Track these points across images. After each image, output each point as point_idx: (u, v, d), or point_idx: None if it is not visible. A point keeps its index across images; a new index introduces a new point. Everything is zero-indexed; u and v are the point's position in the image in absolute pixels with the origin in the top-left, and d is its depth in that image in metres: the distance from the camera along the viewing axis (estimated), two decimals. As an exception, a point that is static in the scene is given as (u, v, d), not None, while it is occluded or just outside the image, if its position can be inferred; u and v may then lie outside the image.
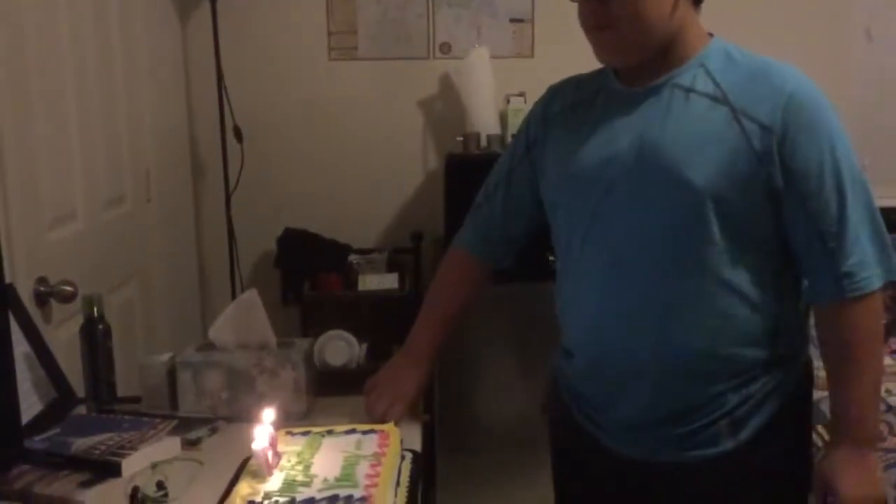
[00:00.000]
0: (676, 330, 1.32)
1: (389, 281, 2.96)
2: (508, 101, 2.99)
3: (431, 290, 1.66)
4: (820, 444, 1.89)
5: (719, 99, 1.29)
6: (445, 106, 3.12)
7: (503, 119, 3.00)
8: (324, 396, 1.67)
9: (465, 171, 2.78)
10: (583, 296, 1.40)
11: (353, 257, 3.04)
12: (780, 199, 1.28)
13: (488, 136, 2.91)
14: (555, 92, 1.51)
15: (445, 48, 3.11)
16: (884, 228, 1.31)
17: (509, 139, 2.92)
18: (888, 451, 1.76)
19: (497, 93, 2.99)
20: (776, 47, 3.07)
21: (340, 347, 2.99)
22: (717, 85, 1.30)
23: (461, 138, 2.92)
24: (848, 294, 1.29)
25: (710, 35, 1.38)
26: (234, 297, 3.01)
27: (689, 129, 1.29)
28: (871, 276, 1.29)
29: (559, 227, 1.45)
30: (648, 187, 1.30)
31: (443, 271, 1.65)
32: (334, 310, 3.02)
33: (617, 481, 1.45)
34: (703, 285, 1.30)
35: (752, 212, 1.29)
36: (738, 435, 1.35)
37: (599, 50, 1.35)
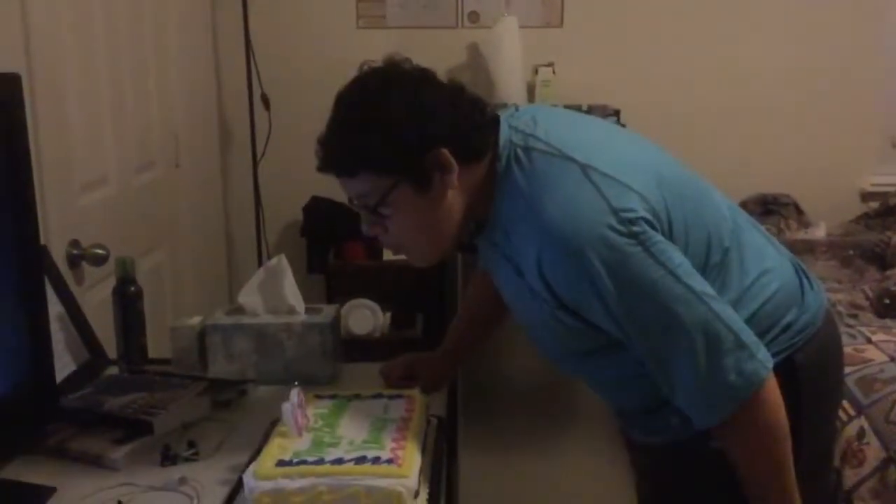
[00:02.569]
0: (600, 392, 1.38)
1: (414, 251, 2.97)
2: (536, 72, 2.97)
3: (467, 293, 1.68)
4: (845, 418, 1.90)
5: (509, 257, 1.23)
6: (473, 76, 3.10)
7: (531, 89, 2.98)
8: (348, 364, 1.69)
9: (492, 141, 2.78)
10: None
11: (378, 227, 3.04)
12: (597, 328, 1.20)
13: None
14: None
15: (474, 17, 3.09)
16: (717, 347, 1.12)
17: (537, 110, 2.90)
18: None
19: (525, 63, 2.96)
20: (806, 17, 3.07)
21: (364, 316, 3.03)
22: (507, 240, 1.22)
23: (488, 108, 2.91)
24: (696, 426, 1.20)
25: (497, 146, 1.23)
26: (260, 264, 3.03)
27: (505, 283, 1.28)
28: (703, 416, 1.18)
29: None
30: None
31: (473, 285, 1.67)
32: (359, 279, 3.05)
33: (636, 462, 1.52)
34: (606, 372, 1.30)
35: (588, 336, 1.22)
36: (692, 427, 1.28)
37: (412, 262, 1.33)
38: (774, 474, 1.19)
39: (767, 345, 1.21)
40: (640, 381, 1.25)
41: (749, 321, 1.20)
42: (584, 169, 1.16)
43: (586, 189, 1.14)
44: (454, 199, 1.21)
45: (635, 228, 1.12)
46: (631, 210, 1.13)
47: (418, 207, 1.20)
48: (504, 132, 1.24)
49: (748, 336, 1.16)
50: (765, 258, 1.29)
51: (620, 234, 1.11)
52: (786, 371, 1.23)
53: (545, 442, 2.86)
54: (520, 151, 1.22)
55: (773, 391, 1.16)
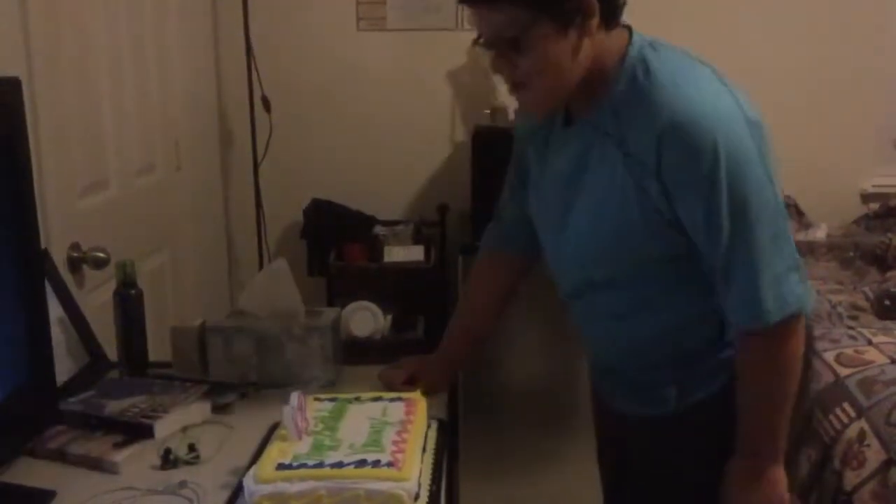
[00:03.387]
0: (618, 334, 1.43)
1: (415, 253, 2.97)
2: (537, 74, 2.97)
3: (466, 287, 1.71)
4: (846, 420, 1.90)
5: (617, 139, 1.27)
6: (473, 78, 3.11)
7: (531, 92, 2.98)
8: (349, 366, 1.69)
9: (492, 144, 2.78)
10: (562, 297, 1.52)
11: (378, 229, 3.05)
12: (681, 227, 1.27)
13: (516, 110, 2.89)
14: (520, 123, 1.56)
15: (474, 19, 3.09)
16: (775, 264, 1.22)
17: (537, 112, 2.90)
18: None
19: (526, 65, 2.96)
20: (806, 16, 3.07)
21: (366, 318, 3.02)
22: (618, 123, 1.27)
23: (489, 111, 2.91)
24: (742, 325, 1.28)
25: (629, 34, 1.31)
26: (261, 266, 3.04)
27: (596, 170, 1.31)
28: (749, 320, 1.25)
29: (542, 244, 1.53)
30: (576, 221, 1.36)
31: (472, 276, 1.70)
32: (360, 281, 3.04)
33: (610, 432, 1.61)
34: (634, 299, 1.37)
35: (660, 241, 1.29)
36: (686, 400, 1.40)
37: (522, 106, 1.39)
38: (777, 404, 1.29)
39: None
40: (665, 318, 1.35)
41: None
42: (714, 72, 1.26)
43: (718, 87, 1.23)
44: (586, 50, 1.24)
45: (759, 132, 1.22)
46: (756, 117, 1.22)
47: (552, 47, 1.22)
48: (634, 32, 1.31)
49: (803, 271, 1.27)
50: None
51: (747, 133, 1.20)
52: None
53: (547, 445, 2.85)
54: (649, 46, 1.28)
55: (803, 331, 1.29)
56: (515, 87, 1.30)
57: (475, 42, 1.30)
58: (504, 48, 1.24)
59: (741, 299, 1.25)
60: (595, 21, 1.23)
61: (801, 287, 1.25)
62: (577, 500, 2.65)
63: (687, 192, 1.22)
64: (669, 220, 1.26)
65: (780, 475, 1.34)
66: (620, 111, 1.27)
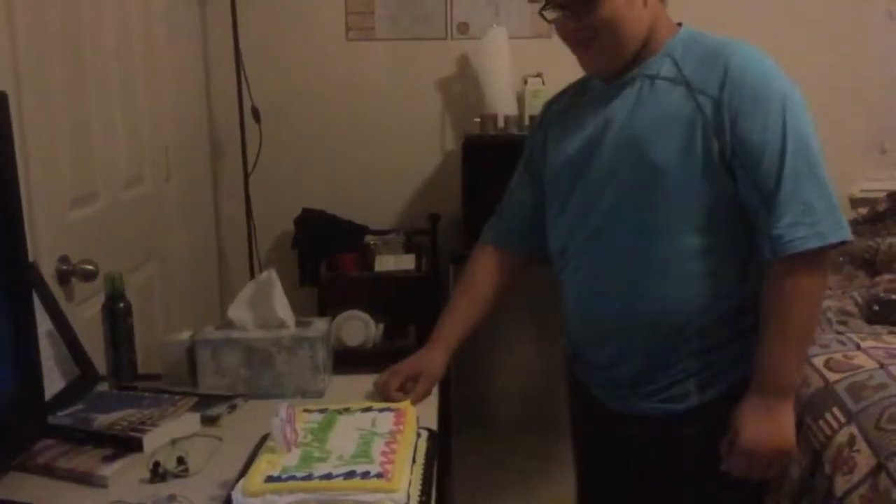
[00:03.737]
0: (641, 291, 1.45)
1: (406, 262, 2.98)
2: (526, 82, 2.98)
3: (456, 286, 1.75)
4: (835, 425, 1.90)
5: (678, 80, 1.41)
6: (463, 87, 3.12)
7: (521, 100, 2.99)
8: (341, 375, 1.69)
9: (482, 152, 2.79)
10: (569, 270, 1.55)
11: (369, 238, 3.05)
12: (732, 168, 1.36)
13: (506, 118, 2.91)
14: (549, 104, 1.66)
15: (463, 28, 3.10)
16: (828, 195, 1.35)
17: (527, 120, 2.92)
18: None
19: (515, 73, 2.98)
20: (793, 30, 3.10)
21: (357, 327, 3.02)
22: (678, 69, 1.41)
23: (478, 119, 2.92)
24: (779, 253, 1.34)
25: (679, 25, 1.48)
26: (252, 277, 3.03)
27: (651, 110, 1.42)
28: (804, 237, 1.33)
29: (553, 211, 1.58)
30: (618, 165, 1.44)
31: (470, 269, 1.73)
32: (351, 291, 3.04)
33: (605, 432, 1.61)
34: (667, 251, 1.41)
35: (712, 181, 1.37)
36: (705, 393, 1.45)
37: (585, 63, 1.48)
38: (801, 338, 1.37)
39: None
40: (700, 286, 1.41)
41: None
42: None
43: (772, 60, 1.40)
44: (642, 13, 1.40)
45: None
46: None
47: (619, 5, 1.38)
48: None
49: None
50: None
51: (802, 100, 1.40)
52: None
53: (539, 454, 2.85)
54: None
55: (829, 271, 1.40)
56: (583, 44, 1.43)
57: (541, 10, 1.44)
58: (577, 8, 1.38)
59: (798, 220, 1.32)
60: None
61: (843, 223, 1.36)
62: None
63: (754, 114, 1.34)
64: (722, 152, 1.35)
65: (789, 413, 1.39)
66: (681, 58, 1.41)
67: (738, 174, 1.37)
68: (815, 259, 1.35)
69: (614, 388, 1.55)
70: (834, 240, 1.34)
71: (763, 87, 1.36)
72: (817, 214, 1.33)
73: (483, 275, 1.68)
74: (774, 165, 1.34)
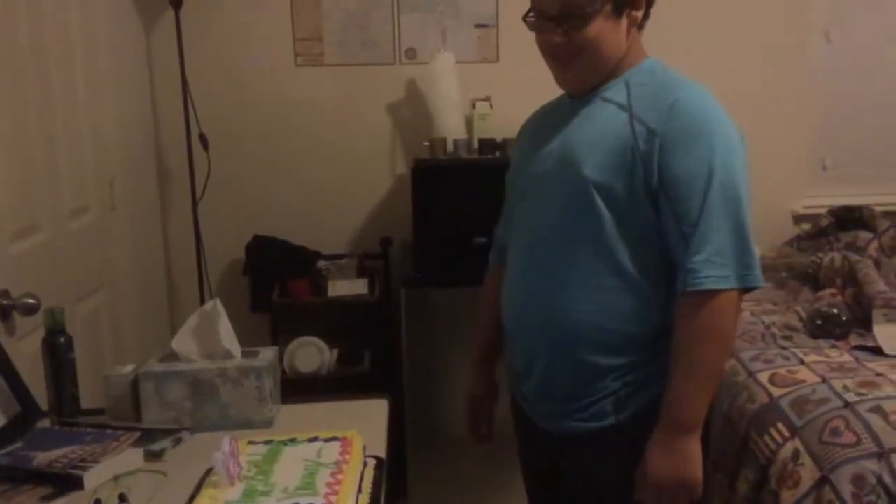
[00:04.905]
0: (564, 303, 1.47)
1: (359, 286, 2.97)
2: (474, 106, 3.01)
3: (485, 300, 1.80)
4: (780, 440, 1.94)
5: (624, 107, 1.45)
6: (412, 111, 3.13)
7: (469, 123, 3.01)
8: (295, 403, 1.68)
9: (432, 175, 2.80)
10: (509, 277, 1.60)
11: (322, 263, 3.04)
12: (657, 198, 1.40)
13: (455, 141, 2.93)
14: (526, 122, 1.73)
15: (411, 53, 3.12)
16: (744, 239, 1.38)
17: (475, 143, 2.94)
18: (844, 446, 1.79)
19: (463, 97, 3.00)
20: (736, 50, 3.17)
21: (311, 354, 3.01)
22: (628, 96, 1.46)
23: (428, 143, 2.94)
24: (688, 286, 1.38)
25: (646, 56, 1.53)
26: (202, 305, 3.00)
27: (591, 127, 1.47)
28: (714, 277, 1.37)
29: (510, 224, 1.65)
30: (558, 179, 1.49)
31: (482, 293, 1.81)
32: (304, 316, 3.03)
33: (537, 449, 1.66)
34: (591, 266, 1.44)
35: (636, 205, 1.41)
36: (621, 413, 1.48)
37: (562, 79, 1.53)
38: (708, 374, 1.40)
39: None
40: (621, 303, 1.44)
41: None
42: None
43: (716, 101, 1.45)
44: (624, 38, 1.47)
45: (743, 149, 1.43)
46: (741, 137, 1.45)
47: (605, 28, 1.44)
48: None
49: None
50: None
51: (739, 143, 1.43)
52: None
53: (495, 478, 2.84)
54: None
55: (740, 311, 1.42)
56: (564, 61, 1.48)
57: (525, 17, 1.49)
58: (565, 24, 1.43)
59: (710, 259, 1.36)
60: (640, 14, 1.48)
61: (754, 269, 1.39)
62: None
63: (686, 149, 1.38)
64: (648, 181, 1.39)
65: (696, 449, 1.41)
66: (634, 87, 1.46)
67: (662, 205, 1.40)
68: (724, 299, 1.37)
69: (541, 404, 1.58)
70: (740, 285, 1.38)
71: (700, 125, 1.40)
72: (729, 257, 1.37)
73: (493, 296, 1.71)
74: (697, 202, 1.37)
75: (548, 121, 1.60)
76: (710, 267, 1.36)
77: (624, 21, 1.46)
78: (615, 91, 1.48)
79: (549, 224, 1.50)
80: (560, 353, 1.50)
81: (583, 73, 1.49)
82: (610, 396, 1.49)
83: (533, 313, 1.53)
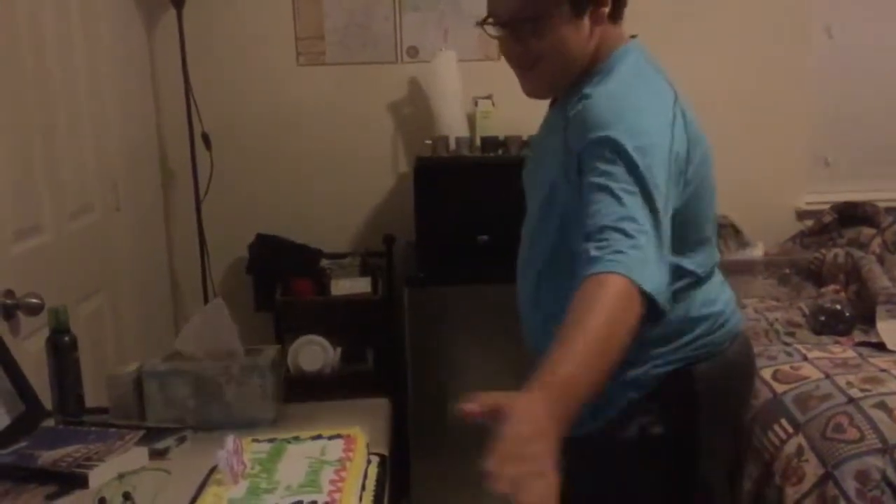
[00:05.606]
0: (540, 309, 1.44)
1: (362, 285, 2.97)
2: (476, 104, 3.01)
3: None
4: (783, 436, 1.94)
5: (564, 126, 1.35)
6: (414, 109, 3.14)
7: (471, 122, 3.02)
8: (300, 402, 1.68)
9: (434, 174, 2.80)
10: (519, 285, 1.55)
11: (325, 262, 3.04)
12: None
13: (457, 139, 2.92)
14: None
15: (413, 52, 3.12)
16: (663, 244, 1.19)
17: (478, 142, 2.94)
18: (848, 442, 1.79)
19: (465, 96, 3.00)
20: (736, 45, 3.17)
21: (315, 352, 3.01)
22: (577, 112, 1.32)
23: (430, 141, 2.94)
24: (586, 271, 1.15)
25: (622, 45, 1.40)
26: (206, 304, 3.00)
27: (545, 145, 1.44)
28: (607, 261, 1.14)
29: None
30: (531, 187, 1.48)
31: None
32: (307, 315, 3.03)
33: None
34: (556, 273, 1.39)
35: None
36: (596, 420, 1.37)
37: (526, 87, 1.43)
38: (590, 349, 1.08)
39: (667, 352, 1.37)
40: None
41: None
42: (669, 104, 1.32)
43: (657, 107, 1.30)
44: (587, 38, 1.35)
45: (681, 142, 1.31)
46: (694, 134, 1.35)
47: (565, 31, 1.33)
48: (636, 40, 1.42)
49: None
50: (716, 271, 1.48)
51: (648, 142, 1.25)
52: (685, 378, 1.38)
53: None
54: (637, 51, 1.39)
55: (640, 309, 1.12)
56: (524, 68, 1.39)
57: (482, 23, 1.40)
58: (520, 29, 1.35)
59: (598, 238, 1.16)
60: (606, 10, 1.35)
61: (661, 276, 1.16)
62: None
63: (589, 167, 1.24)
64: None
65: (553, 429, 1.06)
66: (582, 99, 1.34)
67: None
68: (603, 281, 1.13)
69: None
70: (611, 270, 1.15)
71: (597, 124, 1.27)
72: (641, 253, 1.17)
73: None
74: (613, 195, 1.21)
75: (542, 124, 1.56)
76: (605, 250, 1.19)
77: (586, 21, 1.34)
78: (573, 105, 1.36)
79: (530, 237, 1.49)
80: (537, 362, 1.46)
81: (546, 81, 1.41)
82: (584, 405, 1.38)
83: (525, 316, 1.53)
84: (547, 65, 1.37)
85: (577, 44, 1.35)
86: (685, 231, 1.34)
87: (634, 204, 1.17)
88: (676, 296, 1.34)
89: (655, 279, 1.13)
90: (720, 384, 1.43)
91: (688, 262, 1.38)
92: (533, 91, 1.44)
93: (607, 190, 1.19)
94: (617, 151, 1.21)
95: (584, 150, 1.26)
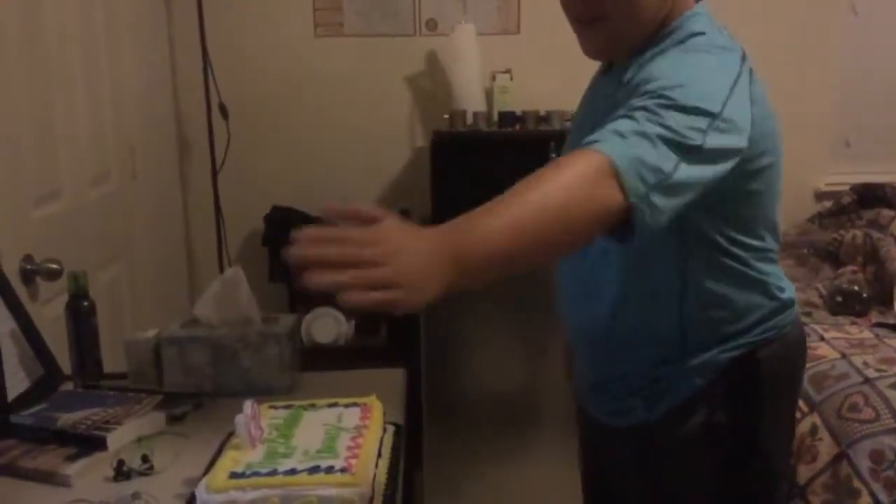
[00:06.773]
0: (588, 299, 1.38)
1: (377, 258, 2.97)
2: (494, 78, 2.99)
3: None
4: (798, 415, 1.93)
5: (614, 93, 1.26)
6: (432, 83, 3.12)
7: (489, 96, 3.00)
8: (310, 372, 1.69)
9: (451, 148, 2.79)
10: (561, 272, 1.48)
11: (340, 234, 3.04)
12: None
13: (474, 114, 2.91)
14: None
15: (431, 25, 3.10)
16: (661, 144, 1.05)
17: (495, 116, 2.92)
18: (863, 422, 1.79)
19: (483, 70, 2.98)
20: (759, 24, 3.13)
21: (328, 324, 3.02)
22: (634, 76, 1.23)
23: (447, 116, 2.92)
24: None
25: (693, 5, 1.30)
26: (221, 274, 3.02)
27: (592, 114, 1.32)
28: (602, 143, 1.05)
29: None
30: None
31: None
32: (322, 287, 3.03)
33: (586, 436, 1.59)
34: (603, 261, 1.32)
35: None
36: (652, 410, 1.35)
37: (587, 45, 1.29)
38: (528, 213, 1.01)
39: (737, 334, 1.31)
40: (640, 301, 1.30)
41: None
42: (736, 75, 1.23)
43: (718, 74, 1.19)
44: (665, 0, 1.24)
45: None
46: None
47: None
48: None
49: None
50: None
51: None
52: (750, 364, 1.31)
53: (511, 451, 2.87)
54: (705, 17, 1.30)
55: (614, 195, 1.01)
56: (589, 22, 1.25)
57: None
58: None
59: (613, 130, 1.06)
60: None
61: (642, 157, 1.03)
62: None
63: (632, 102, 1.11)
64: None
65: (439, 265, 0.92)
66: (642, 66, 1.23)
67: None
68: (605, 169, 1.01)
69: (586, 394, 1.50)
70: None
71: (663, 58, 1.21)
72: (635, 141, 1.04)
73: None
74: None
75: (585, 95, 1.45)
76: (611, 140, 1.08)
77: None
78: (629, 67, 1.25)
79: None
80: (592, 347, 1.44)
81: (611, 39, 1.26)
82: (638, 394, 1.36)
83: (574, 311, 1.46)
84: (613, 23, 1.23)
85: (649, 4, 1.23)
86: (767, 210, 1.35)
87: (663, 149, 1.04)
88: (757, 271, 1.33)
89: (630, 158, 1.01)
90: (783, 369, 1.39)
91: (770, 241, 1.36)
92: (595, 52, 1.31)
93: (632, 119, 1.06)
94: (667, 106, 1.07)
95: (631, 97, 1.12)
